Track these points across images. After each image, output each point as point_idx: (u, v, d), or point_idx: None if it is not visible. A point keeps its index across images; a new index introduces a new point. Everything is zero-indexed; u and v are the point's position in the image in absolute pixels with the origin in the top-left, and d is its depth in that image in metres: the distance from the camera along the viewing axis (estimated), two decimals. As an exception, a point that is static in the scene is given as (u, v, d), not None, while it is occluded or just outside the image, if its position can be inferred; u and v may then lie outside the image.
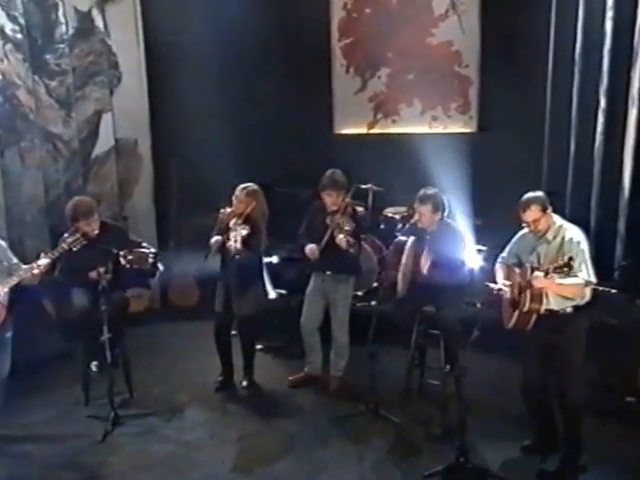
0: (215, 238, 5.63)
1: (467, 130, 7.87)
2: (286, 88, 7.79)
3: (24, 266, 4.92)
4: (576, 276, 4.40)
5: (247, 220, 5.56)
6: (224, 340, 5.84)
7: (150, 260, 5.62)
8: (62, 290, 5.82)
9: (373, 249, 6.98)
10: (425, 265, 5.26)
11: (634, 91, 5.98)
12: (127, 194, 7.91)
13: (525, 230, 4.70)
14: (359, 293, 6.72)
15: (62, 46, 7.27)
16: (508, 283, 4.71)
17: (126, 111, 7.72)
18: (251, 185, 5.72)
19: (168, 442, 5.22)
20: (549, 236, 4.59)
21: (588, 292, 4.57)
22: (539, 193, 4.66)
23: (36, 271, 4.85)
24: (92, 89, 7.55)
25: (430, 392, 5.54)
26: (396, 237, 5.79)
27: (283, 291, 6.84)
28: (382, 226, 7.33)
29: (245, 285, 5.65)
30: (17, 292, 4.87)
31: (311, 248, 5.64)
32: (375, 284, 6.83)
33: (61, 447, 5.15)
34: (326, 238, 5.59)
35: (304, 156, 7.69)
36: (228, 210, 5.70)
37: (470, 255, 5.94)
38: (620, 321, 5.42)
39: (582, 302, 4.55)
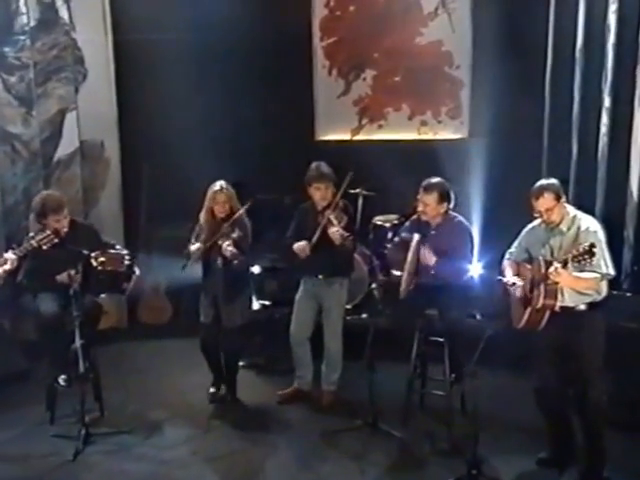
0: (196, 245, 5.41)
1: (458, 136, 7.59)
2: (264, 91, 7.51)
3: None
4: (593, 270, 4.20)
5: (234, 222, 5.38)
6: (213, 351, 5.59)
7: (126, 262, 5.32)
8: (20, 305, 5.61)
9: (363, 259, 6.67)
10: (431, 259, 5.01)
11: (640, 90, 5.77)
12: (93, 200, 7.51)
13: (535, 223, 4.55)
14: (348, 307, 6.32)
15: (22, 38, 6.92)
16: (519, 280, 4.50)
17: (92, 110, 7.32)
18: (224, 184, 5.53)
19: (146, 461, 4.98)
20: (563, 227, 4.46)
21: (604, 286, 4.41)
22: (553, 180, 4.56)
23: (0, 270, 4.57)
24: (55, 86, 7.16)
25: (433, 404, 5.35)
26: (386, 247, 5.64)
27: (267, 302, 6.60)
28: (371, 236, 6.98)
29: (234, 293, 5.50)
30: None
31: (301, 245, 5.37)
32: (362, 296, 6.61)
33: (29, 467, 4.90)
34: (317, 234, 5.31)
35: (284, 164, 7.37)
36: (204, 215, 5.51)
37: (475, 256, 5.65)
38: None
39: (599, 298, 4.39)
